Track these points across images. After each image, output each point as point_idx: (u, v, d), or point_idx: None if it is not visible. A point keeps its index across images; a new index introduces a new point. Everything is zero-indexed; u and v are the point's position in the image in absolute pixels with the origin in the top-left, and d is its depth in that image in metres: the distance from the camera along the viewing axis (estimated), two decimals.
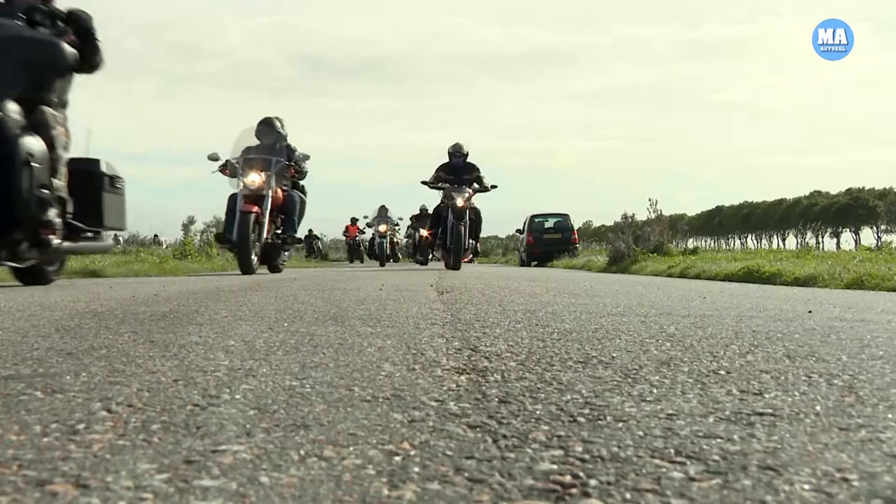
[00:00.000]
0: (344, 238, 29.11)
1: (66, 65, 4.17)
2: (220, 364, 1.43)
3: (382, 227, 19.60)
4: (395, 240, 22.62)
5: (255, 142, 8.55)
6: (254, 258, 7.56)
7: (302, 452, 0.81)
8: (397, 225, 21.17)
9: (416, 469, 0.76)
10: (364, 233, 26.30)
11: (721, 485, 0.72)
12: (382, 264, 17.40)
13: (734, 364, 1.48)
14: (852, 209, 74.07)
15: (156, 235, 23.40)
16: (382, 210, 20.48)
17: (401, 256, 24.98)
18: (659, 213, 12.82)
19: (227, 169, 8.26)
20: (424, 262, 18.31)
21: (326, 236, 33.26)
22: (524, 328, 2.13)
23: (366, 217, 20.77)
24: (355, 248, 25.97)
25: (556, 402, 1.10)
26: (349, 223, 26.88)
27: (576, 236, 20.71)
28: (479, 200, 20.21)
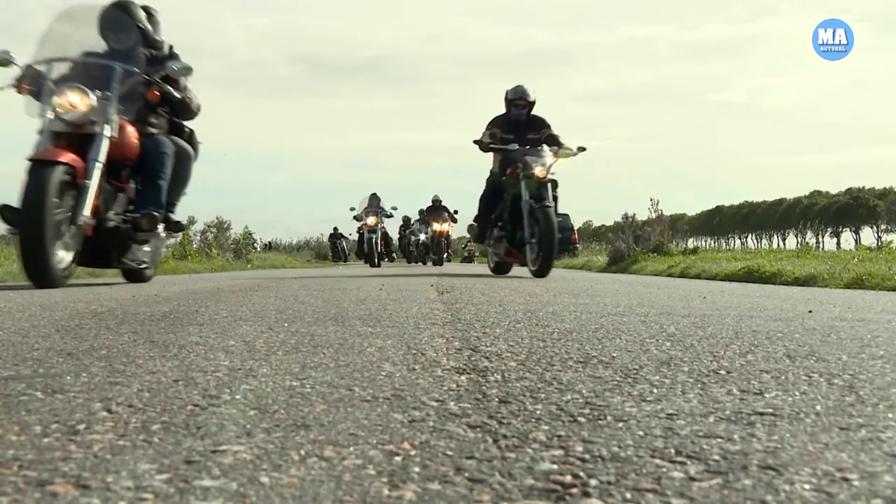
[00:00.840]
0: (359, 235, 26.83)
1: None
2: (221, 364, 1.43)
3: (371, 220, 15.72)
4: (389, 235, 19.58)
5: (99, 45, 4.68)
6: (61, 255, 3.98)
7: (302, 452, 0.81)
8: (390, 216, 17.53)
9: (417, 469, 0.76)
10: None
11: (721, 484, 0.72)
12: (374, 264, 14.41)
13: (734, 364, 1.48)
14: (852, 209, 74.11)
15: None
16: (373, 199, 16.65)
17: (407, 258, 22.29)
18: (659, 212, 12.82)
19: (26, 81, 4.33)
20: (439, 263, 16.08)
21: (353, 235, 30.55)
22: (524, 328, 2.13)
23: (353, 209, 16.82)
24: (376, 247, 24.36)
25: (557, 401, 1.10)
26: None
27: (576, 236, 20.71)
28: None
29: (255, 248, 25.03)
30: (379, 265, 14.73)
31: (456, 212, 18.37)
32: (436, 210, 18.53)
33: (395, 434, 0.90)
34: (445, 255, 17.57)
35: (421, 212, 21.64)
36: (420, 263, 20.31)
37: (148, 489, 0.69)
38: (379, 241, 15.70)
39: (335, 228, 27.47)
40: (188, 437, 0.88)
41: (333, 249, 26.00)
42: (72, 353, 1.55)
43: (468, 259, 33.72)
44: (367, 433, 0.90)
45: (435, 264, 16.51)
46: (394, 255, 23.93)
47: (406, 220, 23.82)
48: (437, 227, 17.62)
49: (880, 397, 1.15)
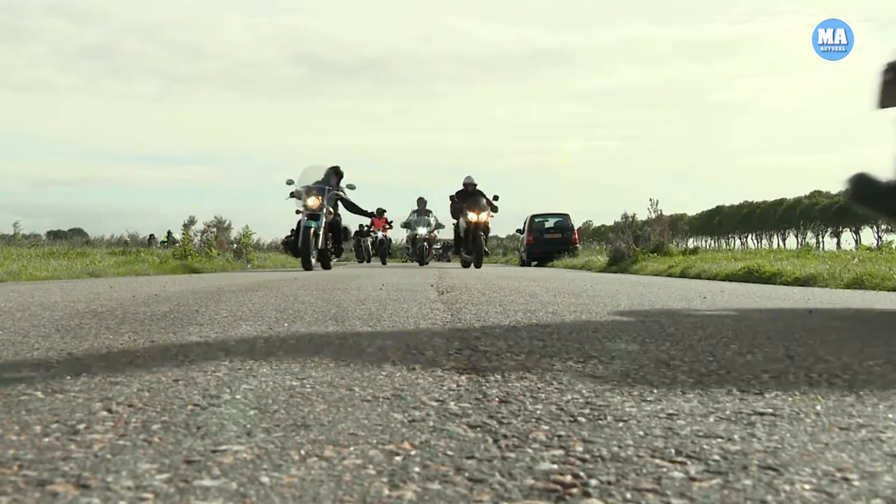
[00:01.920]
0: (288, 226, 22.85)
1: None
2: (221, 364, 1.43)
3: (312, 201, 10.31)
4: (341, 224, 11.42)
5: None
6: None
7: (302, 452, 0.81)
8: (345, 199, 11.66)
9: (417, 469, 0.76)
10: (391, 226, 19.69)
11: (721, 484, 0.72)
12: (308, 265, 9.82)
13: (734, 364, 1.48)
14: (853, 209, 74.06)
15: (169, 233, 22.54)
16: (330, 175, 11.15)
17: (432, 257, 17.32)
18: (659, 212, 12.82)
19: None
20: (476, 263, 12.20)
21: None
22: (524, 328, 2.13)
23: (290, 182, 11.06)
24: (380, 246, 19.86)
25: (557, 401, 1.10)
26: (374, 215, 19.63)
27: (576, 236, 20.61)
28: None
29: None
30: (327, 266, 10.56)
31: (496, 197, 13.85)
32: (470, 196, 13.32)
33: (395, 434, 0.90)
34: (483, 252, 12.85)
35: (420, 200, 17.93)
36: (416, 263, 16.54)
37: (148, 489, 0.69)
38: (323, 233, 10.29)
39: (361, 226, 22.81)
40: (188, 436, 0.88)
41: (357, 248, 21.91)
42: (72, 353, 1.55)
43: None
44: (368, 433, 0.90)
45: (466, 265, 12.57)
46: (356, 252, 19.46)
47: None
48: (472, 216, 12.71)
49: (880, 397, 1.15)
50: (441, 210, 19.49)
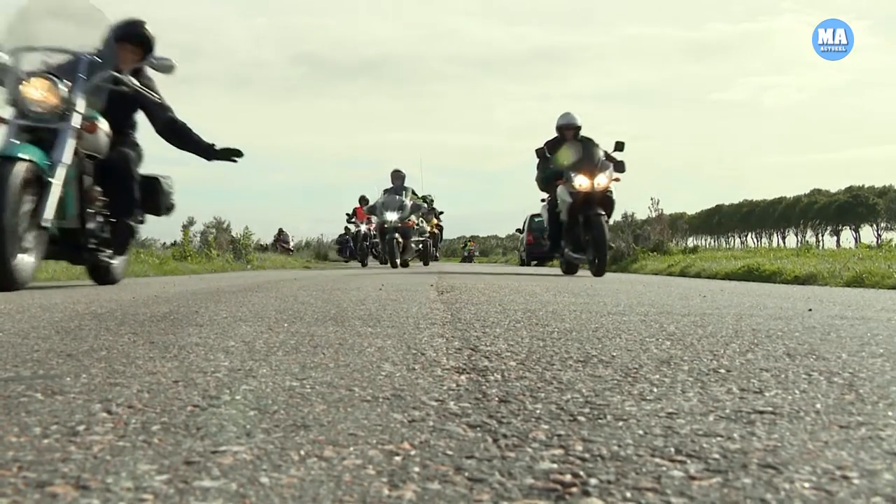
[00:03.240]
0: (346, 228, 18.87)
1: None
2: (220, 365, 1.42)
3: (37, 92, 3.74)
4: (161, 183, 4.60)
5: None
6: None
7: (302, 453, 0.81)
8: (143, 78, 4.55)
9: (417, 469, 0.76)
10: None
11: (721, 483, 0.72)
12: (10, 274, 3.51)
13: (734, 362, 1.48)
14: (852, 207, 74.15)
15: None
16: (109, 41, 4.25)
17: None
18: (659, 211, 12.85)
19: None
20: (596, 269, 6.95)
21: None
22: (524, 327, 2.13)
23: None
24: (353, 243, 16.49)
25: (557, 401, 1.10)
26: (357, 205, 17.10)
27: None
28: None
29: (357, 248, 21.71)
30: (99, 276, 4.73)
31: (620, 145, 7.76)
32: (578, 145, 7.61)
33: (394, 434, 0.90)
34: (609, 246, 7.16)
35: (396, 174, 12.74)
36: (389, 265, 12.09)
37: (148, 490, 0.69)
38: (74, 181, 3.93)
39: (347, 228, 19.75)
40: (188, 437, 0.88)
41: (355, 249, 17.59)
42: (71, 355, 1.55)
43: (468, 259, 33.66)
44: (367, 433, 0.90)
45: (571, 271, 7.76)
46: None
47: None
48: (582, 182, 7.20)
49: (880, 395, 1.15)
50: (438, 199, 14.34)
